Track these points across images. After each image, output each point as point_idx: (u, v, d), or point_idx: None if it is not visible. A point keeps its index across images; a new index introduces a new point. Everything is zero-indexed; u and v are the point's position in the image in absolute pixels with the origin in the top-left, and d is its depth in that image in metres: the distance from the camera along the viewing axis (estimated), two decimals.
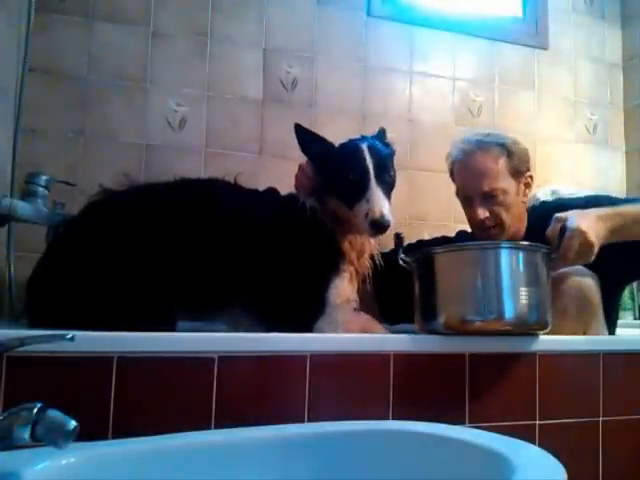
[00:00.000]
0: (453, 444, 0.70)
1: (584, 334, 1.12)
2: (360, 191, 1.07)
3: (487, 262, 0.97)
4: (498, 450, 0.64)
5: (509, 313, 0.96)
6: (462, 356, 0.95)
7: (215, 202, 1.07)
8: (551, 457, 0.61)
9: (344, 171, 1.09)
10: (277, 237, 1.06)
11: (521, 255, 0.97)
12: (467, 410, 0.93)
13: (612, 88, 2.13)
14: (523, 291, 0.96)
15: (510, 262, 0.97)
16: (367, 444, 0.74)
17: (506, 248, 0.99)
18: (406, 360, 0.91)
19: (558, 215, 1.05)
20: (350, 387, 0.88)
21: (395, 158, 1.17)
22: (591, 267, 1.11)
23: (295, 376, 0.85)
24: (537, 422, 0.97)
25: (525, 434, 0.93)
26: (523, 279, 0.97)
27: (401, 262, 1.08)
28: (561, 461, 0.59)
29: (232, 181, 1.12)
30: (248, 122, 1.68)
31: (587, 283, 1.14)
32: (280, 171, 1.57)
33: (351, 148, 1.13)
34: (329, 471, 0.71)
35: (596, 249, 1.02)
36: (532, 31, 2.04)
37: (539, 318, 0.98)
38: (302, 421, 0.84)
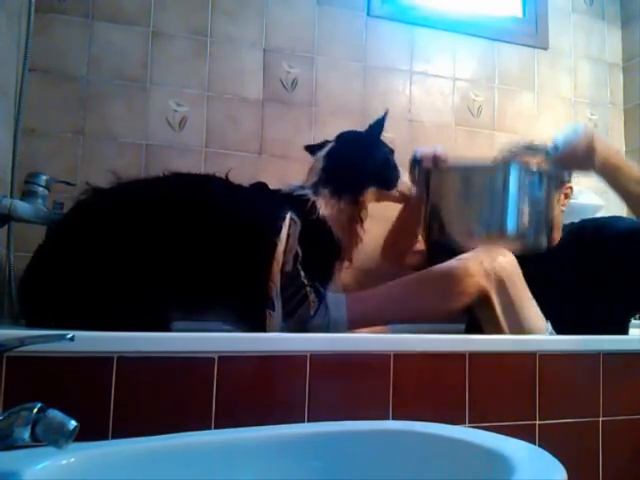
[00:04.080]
0: (453, 444, 0.70)
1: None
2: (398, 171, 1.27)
3: (495, 181, 1.05)
4: (498, 450, 0.64)
5: (511, 229, 1.04)
6: (462, 356, 0.95)
7: (205, 197, 1.07)
8: (551, 457, 0.61)
9: (390, 156, 1.28)
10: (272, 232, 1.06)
11: (528, 177, 1.05)
12: (467, 410, 0.93)
13: (612, 88, 2.13)
14: (525, 210, 1.04)
15: (517, 183, 1.04)
16: (367, 444, 0.74)
17: (515, 169, 1.05)
18: (406, 360, 0.91)
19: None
20: (350, 387, 0.88)
21: (394, 157, 1.30)
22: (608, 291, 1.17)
23: (295, 376, 0.85)
24: (537, 422, 0.97)
25: (525, 434, 0.94)
26: (527, 199, 1.04)
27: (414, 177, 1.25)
28: (561, 461, 0.59)
29: (223, 177, 1.13)
30: (248, 122, 1.68)
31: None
32: (280, 171, 1.58)
33: (372, 137, 1.29)
34: (329, 471, 0.71)
35: (595, 161, 1.08)
36: (532, 31, 2.03)
37: (537, 237, 1.06)
38: (302, 421, 0.84)
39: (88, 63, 1.54)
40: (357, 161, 1.23)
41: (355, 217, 1.22)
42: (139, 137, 1.57)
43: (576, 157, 1.12)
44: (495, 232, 1.05)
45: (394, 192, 1.29)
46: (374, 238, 1.46)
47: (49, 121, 1.49)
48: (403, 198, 1.32)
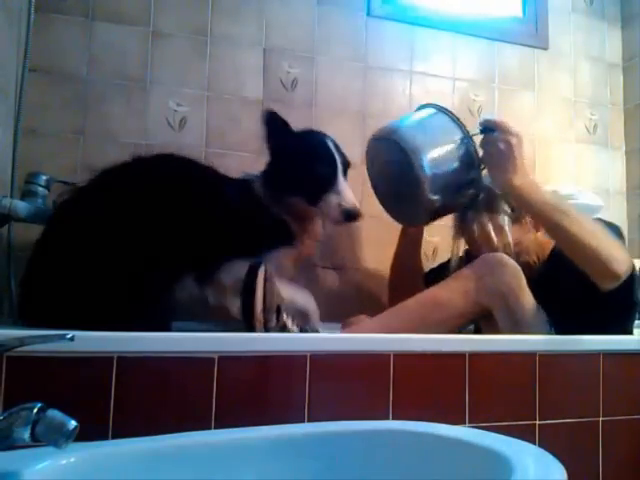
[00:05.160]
0: (453, 444, 0.70)
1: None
2: (328, 183, 1.10)
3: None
4: (498, 450, 0.64)
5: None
6: (462, 356, 0.95)
7: (173, 181, 1.09)
8: (551, 457, 0.61)
9: (310, 164, 1.11)
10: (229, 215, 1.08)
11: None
12: (467, 410, 0.93)
13: (612, 88, 2.13)
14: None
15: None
16: (367, 444, 0.74)
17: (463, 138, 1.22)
18: (406, 360, 0.91)
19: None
20: (350, 387, 0.88)
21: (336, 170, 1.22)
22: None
23: (295, 376, 0.85)
24: (537, 422, 0.98)
25: (525, 434, 0.94)
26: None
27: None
28: (561, 461, 0.59)
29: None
30: (248, 122, 1.68)
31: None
32: None
33: (316, 140, 1.16)
34: (329, 471, 0.71)
35: (511, 172, 1.12)
36: (532, 31, 2.03)
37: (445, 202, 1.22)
38: (302, 421, 0.84)
39: (88, 63, 1.54)
40: (288, 162, 1.15)
41: (292, 215, 1.16)
42: (139, 137, 1.57)
43: (497, 150, 1.13)
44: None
45: (317, 210, 1.14)
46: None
47: (49, 121, 1.49)
48: (332, 218, 1.13)
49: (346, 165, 1.15)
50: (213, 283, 1.06)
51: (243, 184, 1.17)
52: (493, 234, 1.28)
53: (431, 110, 1.28)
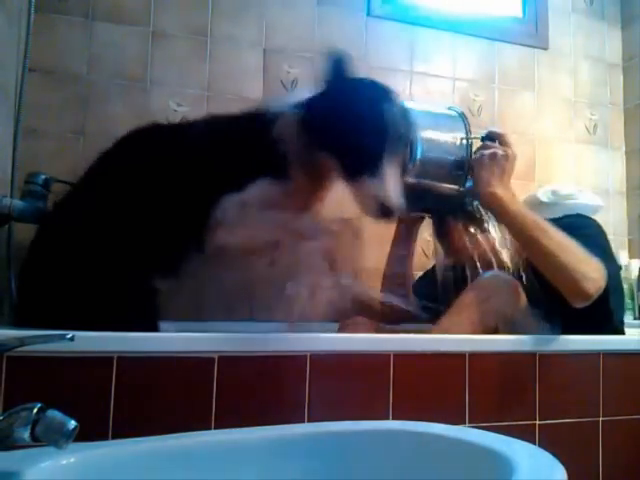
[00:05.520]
0: (453, 444, 0.70)
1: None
2: (375, 165, 0.86)
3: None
4: (498, 450, 0.64)
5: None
6: (462, 356, 0.95)
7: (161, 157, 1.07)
8: (551, 457, 0.61)
9: (367, 131, 0.88)
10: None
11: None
12: (467, 410, 0.93)
13: (612, 88, 2.13)
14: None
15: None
16: (367, 444, 0.74)
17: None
18: (406, 360, 0.91)
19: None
20: (350, 387, 0.88)
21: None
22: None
23: (295, 376, 0.85)
24: (537, 422, 0.98)
25: (525, 434, 0.94)
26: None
27: None
28: (561, 461, 0.59)
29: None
30: None
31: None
32: None
33: (390, 105, 0.94)
34: (329, 471, 0.71)
35: (494, 184, 1.10)
36: (532, 31, 2.03)
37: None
38: (302, 421, 0.84)
39: (88, 63, 1.54)
40: (345, 106, 0.91)
41: (308, 170, 0.97)
42: None
43: (492, 154, 1.12)
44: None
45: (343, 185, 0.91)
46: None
47: (49, 121, 1.49)
48: (365, 207, 0.89)
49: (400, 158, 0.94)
50: (209, 229, 0.93)
51: (238, 121, 1.04)
52: (469, 243, 1.27)
53: (451, 112, 1.30)
